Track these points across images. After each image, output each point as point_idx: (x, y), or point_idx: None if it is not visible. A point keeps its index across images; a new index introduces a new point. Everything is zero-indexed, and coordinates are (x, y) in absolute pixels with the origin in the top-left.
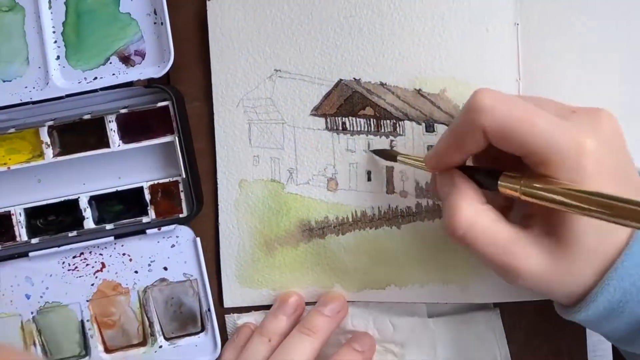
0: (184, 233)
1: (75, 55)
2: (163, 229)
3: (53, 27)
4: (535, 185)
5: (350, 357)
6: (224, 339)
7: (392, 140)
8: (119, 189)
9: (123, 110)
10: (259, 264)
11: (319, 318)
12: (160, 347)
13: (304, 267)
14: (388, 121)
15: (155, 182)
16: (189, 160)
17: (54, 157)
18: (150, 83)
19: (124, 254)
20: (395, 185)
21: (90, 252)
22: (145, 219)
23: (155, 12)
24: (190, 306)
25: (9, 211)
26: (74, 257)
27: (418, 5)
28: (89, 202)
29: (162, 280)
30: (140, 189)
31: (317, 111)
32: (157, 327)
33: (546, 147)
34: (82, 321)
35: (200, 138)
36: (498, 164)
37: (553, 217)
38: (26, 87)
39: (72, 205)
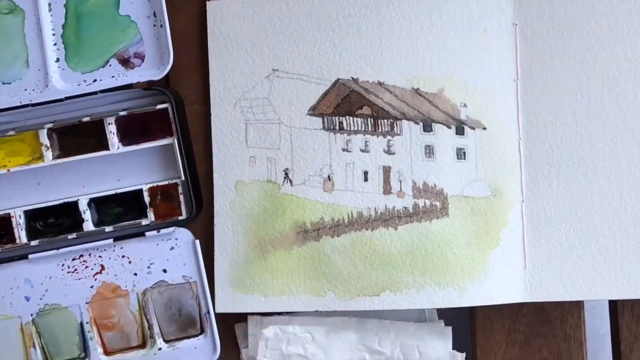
0: (183, 235)
1: (75, 58)
2: (162, 231)
3: (53, 29)
4: None
5: None
6: (223, 341)
7: (389, 140)
8: (119, 191)
9: (122, 113)
10: (252, 266)
11: None
12: (160, 349)
13: (296, 272)
14: (385, 120)
15: (155, 184)
16: (188, 162)
17: (53, 159)
18: (149, 85)
19: (123, 257)
20: (392, 186)
21: (89, 255)
22: (144, 222)
23: (154, 15)
24: (189, 308)
25: (9, 213)
26: (73, 259)
27: (416, 5)
28: (89, 204)
29: (162, 282)
30: (140, 191)
31: (314, 111)
32: (156, 330)
33: None
34: (81, 323)
35: (198, 141)
36: None
37: None
38: (26, 90)
39: (71, 208)
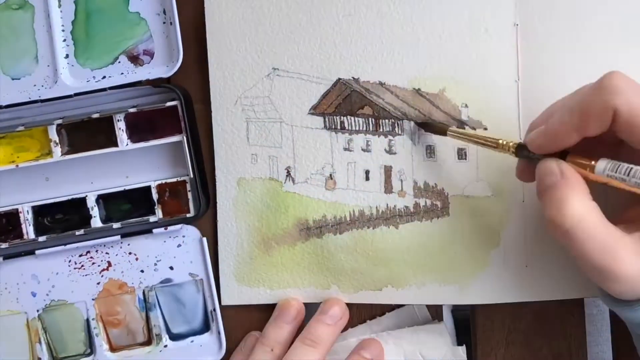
0: (191, 233)
1: (84, 54)
2: (169, 228)
3: (62, 25)
4: None
5: None
6: (229, 339)
7: (390, 140)
8: (127, 188)
9: (131, 110)
10: (257, 262)
11: (321, 328)
12: (166, 346)
13: (301, 266)
14: (387, 120)
15: (163, 181)
16: (197, 160)
17: (62, 155)
18: (158, 83)
19: (130, 253)
20: (394, 185)
21: (96, 251)
22: (152, 219)
23: (164, 12)
24: (195, 306)
25: (17, 209)
26: (80, 255)
27: (417, 4)
28: (97, 200)
29: (168, 279)
30: (148, 188)
31: (316, 110)
32: (162, 327)
33: None
34: (87, 320)
35: (202, 140)
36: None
37: None
38: (35, 86)
39: (79, 204)
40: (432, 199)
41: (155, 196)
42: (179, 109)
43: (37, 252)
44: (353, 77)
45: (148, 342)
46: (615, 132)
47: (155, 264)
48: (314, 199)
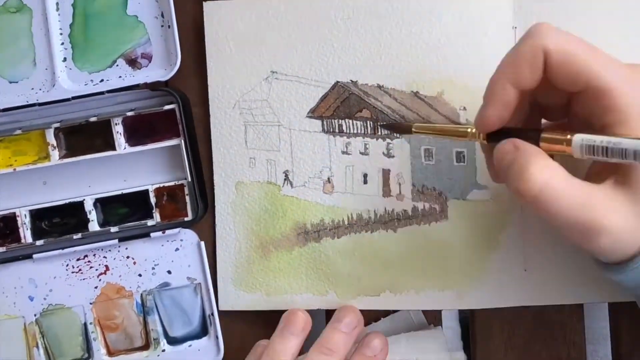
0: (188, 237)
1: (82, 57)
2: (167, 232)
3: (60, 29)
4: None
5: None
6: (227, 343)
7: (388, 143)
8: (124, 191)
9: (129, 113)
10: (254, 266)
11: (337, 336)
12: (164, 350)
13: (298, 272)
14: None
15: (161, 185)
16: (195, 163)
17: (59, 159)
18: (156, 86)
19: (128, 257)
20: (392, 188)
21: (94, 255)
22: (150, 222)
23: (162, 15)
24: (193, 310)
25: (14, 213)
26: (78, 259)
27: (415, 7)
28: (94, 204)
29: (166, 283)
30: (146, 192)
31: (314, 113)
32: (160, 331)
33: (607, 76)
34: (85, 324)
35: (200, 143)
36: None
37: (622, 167)
38: (33, 89)
39: (77, 208)
40: (431, 203)
41: (153, 200)
42: (177, 112)
43: (34, 256)
44: (351, 80)
45: (146, 347)
46: (549, 81)
47: (153, 268)
48: (312, 202)
